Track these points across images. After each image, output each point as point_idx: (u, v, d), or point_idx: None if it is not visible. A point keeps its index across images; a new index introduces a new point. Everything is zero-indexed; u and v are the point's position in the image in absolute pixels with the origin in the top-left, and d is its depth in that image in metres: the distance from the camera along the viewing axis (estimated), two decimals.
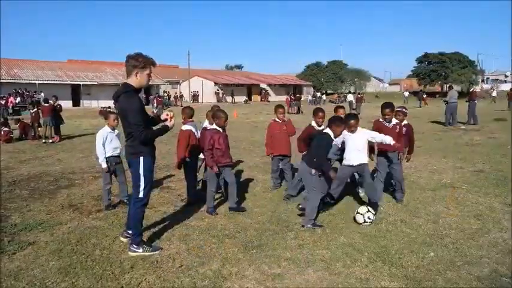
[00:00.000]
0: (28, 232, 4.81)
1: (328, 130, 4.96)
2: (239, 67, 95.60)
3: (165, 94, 45.89)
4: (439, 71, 60.20)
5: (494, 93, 40.69)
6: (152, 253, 4.09)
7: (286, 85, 61.32)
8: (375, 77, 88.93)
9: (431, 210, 5.47)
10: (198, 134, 5.98)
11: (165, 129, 4.17)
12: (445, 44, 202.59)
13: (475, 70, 63.78)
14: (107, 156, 5.71)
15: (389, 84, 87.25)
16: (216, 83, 52.63)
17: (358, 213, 4.90)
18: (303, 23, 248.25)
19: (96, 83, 40.86)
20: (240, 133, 15.57)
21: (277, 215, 5.33)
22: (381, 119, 5.87)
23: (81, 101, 40.24)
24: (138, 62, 3.91)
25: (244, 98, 52.49)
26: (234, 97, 50.22)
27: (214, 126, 5.51)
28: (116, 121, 5.72)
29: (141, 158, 3.99)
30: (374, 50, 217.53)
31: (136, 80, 3.95)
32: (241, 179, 7.50)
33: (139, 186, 4.04)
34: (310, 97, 51.00)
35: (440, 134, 14.74)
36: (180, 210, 5.63)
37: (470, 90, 19.77)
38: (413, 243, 4.30)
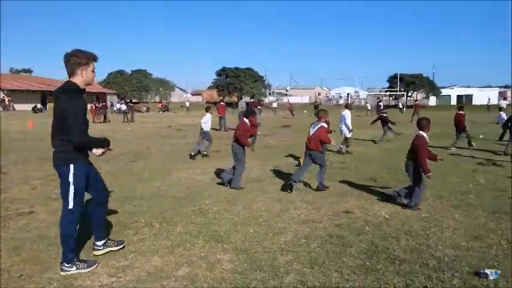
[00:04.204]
0: None
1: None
2: (27, 71, 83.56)
3: None
4: (235, 83, 67.00)
5: (274, 105, 47.52)
6: (88, 269, 3.83)
7: (88, 93, 57.33)
8: (178, 87, 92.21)
9: (245, 199, 6.60)
10: None
11: (105, 142, 3.94)
12: (239, 60, 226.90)
13: (264, 84, 73.63)
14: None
15: (192, 94, 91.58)
16: (0, 89, 45.18)
17: None
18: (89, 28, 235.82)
19: None
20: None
21: (111, 217, 5.50)
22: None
23: None
24: (81, 58, 3.67)
25: (38, 105, 46.56)
26: (27, 104, 44.25)
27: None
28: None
29: (72, 166, 3.70)
30: (175, 60, 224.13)
31: (81, 78, 3.71)
32: None
33: (68, 196, 3.73)
34: (119, 106, 48.99)
35: None
36: None
37: (251, 101, 24.63)
38: (236, 225, 5.24)
